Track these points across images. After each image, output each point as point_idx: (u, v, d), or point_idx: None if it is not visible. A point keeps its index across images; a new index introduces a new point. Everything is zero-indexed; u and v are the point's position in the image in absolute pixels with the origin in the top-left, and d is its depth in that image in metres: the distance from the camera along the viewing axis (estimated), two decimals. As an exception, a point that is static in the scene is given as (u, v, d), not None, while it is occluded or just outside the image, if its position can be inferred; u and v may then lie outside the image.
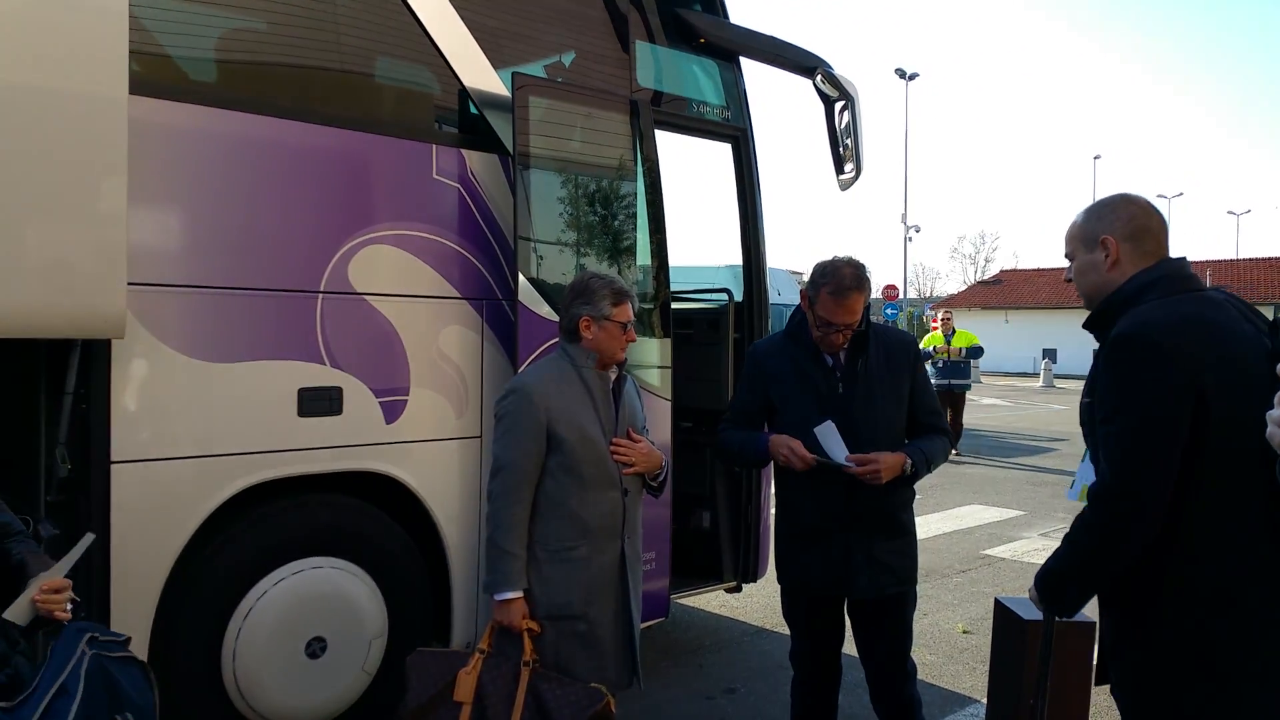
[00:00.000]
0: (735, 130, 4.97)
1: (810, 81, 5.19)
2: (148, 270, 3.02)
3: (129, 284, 2.83)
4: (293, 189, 3.38)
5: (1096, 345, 2.29)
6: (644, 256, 4.51)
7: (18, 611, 2.12)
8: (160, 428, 3.10)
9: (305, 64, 3.55)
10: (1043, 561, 2.33)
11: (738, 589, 5.25)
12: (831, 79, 5.14)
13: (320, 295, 3.43)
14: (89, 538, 2.24)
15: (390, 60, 3.81)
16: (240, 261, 3.26)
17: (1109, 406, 2.12)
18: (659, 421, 4.28)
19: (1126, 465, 2.06)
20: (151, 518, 3.08)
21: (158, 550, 3.09)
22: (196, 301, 3.17)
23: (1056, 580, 2.26)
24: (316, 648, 3.44)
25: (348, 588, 3.54)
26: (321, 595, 3.47)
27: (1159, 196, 38.54)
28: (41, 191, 2.67)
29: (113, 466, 2.98)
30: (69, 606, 2.22)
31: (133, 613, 3.00)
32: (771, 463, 3.18)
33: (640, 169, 4.39)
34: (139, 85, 2.85)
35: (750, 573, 5.13)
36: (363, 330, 3.55)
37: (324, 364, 3.44)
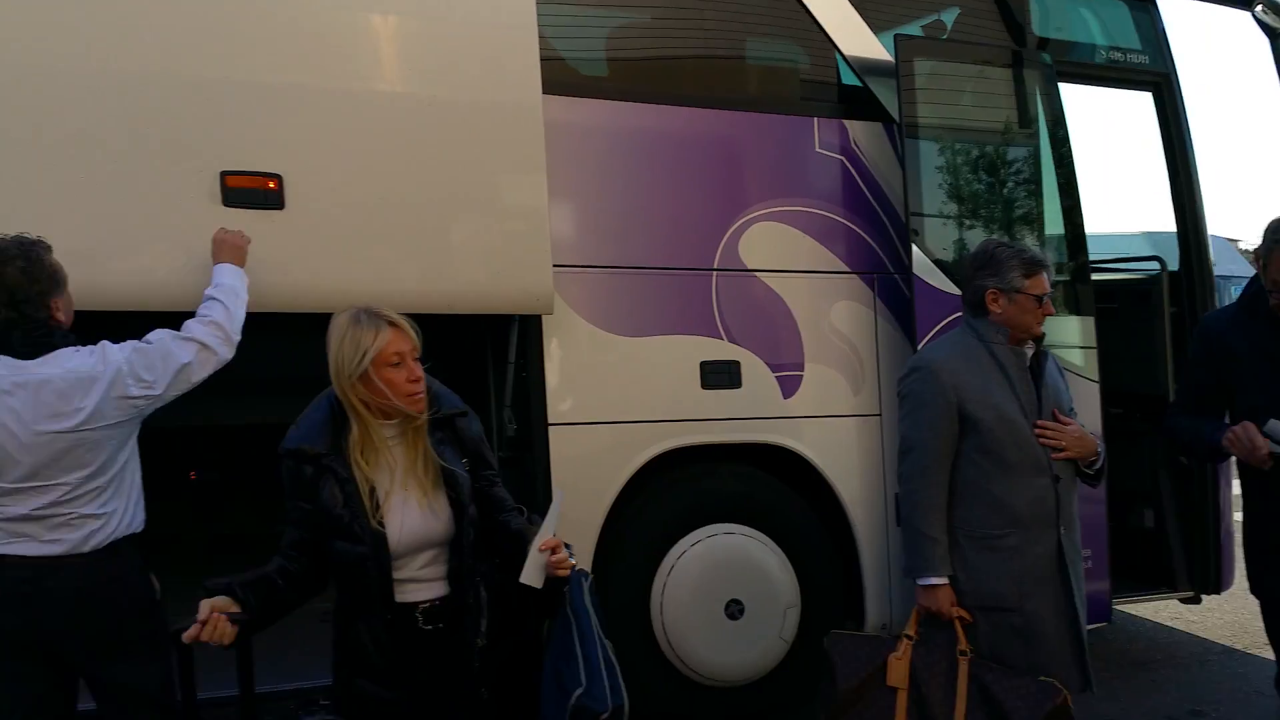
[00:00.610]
0: (1156, 76, 4.46)
1: (1248, 13, 4.51)
2: (569, 254, 3.40)
3: (554, 266, 3.23)
4: (684, 172, 3.63)
5: None
6: (1053, 224, 4.17)
7: (531, 574, 2.16)
8: (585, 395, 3.45)
9: (690, 52, 3.82)
10: None
11: (1196, 600, 4.57)
12: (1275, 8, 4.42)
13: (714, 273, 3.62)
14: (561, 495, 2.34)
15: (769, 37, 3.94)
16: (643, 243, 3.56)
17: None
18: (1087, 405, 3.89)
19: None
20: (584, 477, 3.42)
21: (591, 507, 3.43)
22: (610, 280, 3.51)
23: None
24: (734, 609, 3.58)
25: (759, 555, 3.65)
26: (735, 560, 3.62)
27: None
28: (479, 191, 3.16)
29: (549, 428, 3.37)
30: (573, 562, 2.25)
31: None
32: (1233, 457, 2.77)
33: (1043, 128, 4.08)
34: (548, 86, 3.23)
35: (1212, 583, 4.43)
36: (756, 306, 3.68)
37: (722, 339, 3.62)
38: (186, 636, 2.02)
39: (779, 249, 3.71)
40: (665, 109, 3.62)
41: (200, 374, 2.57)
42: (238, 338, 2.66)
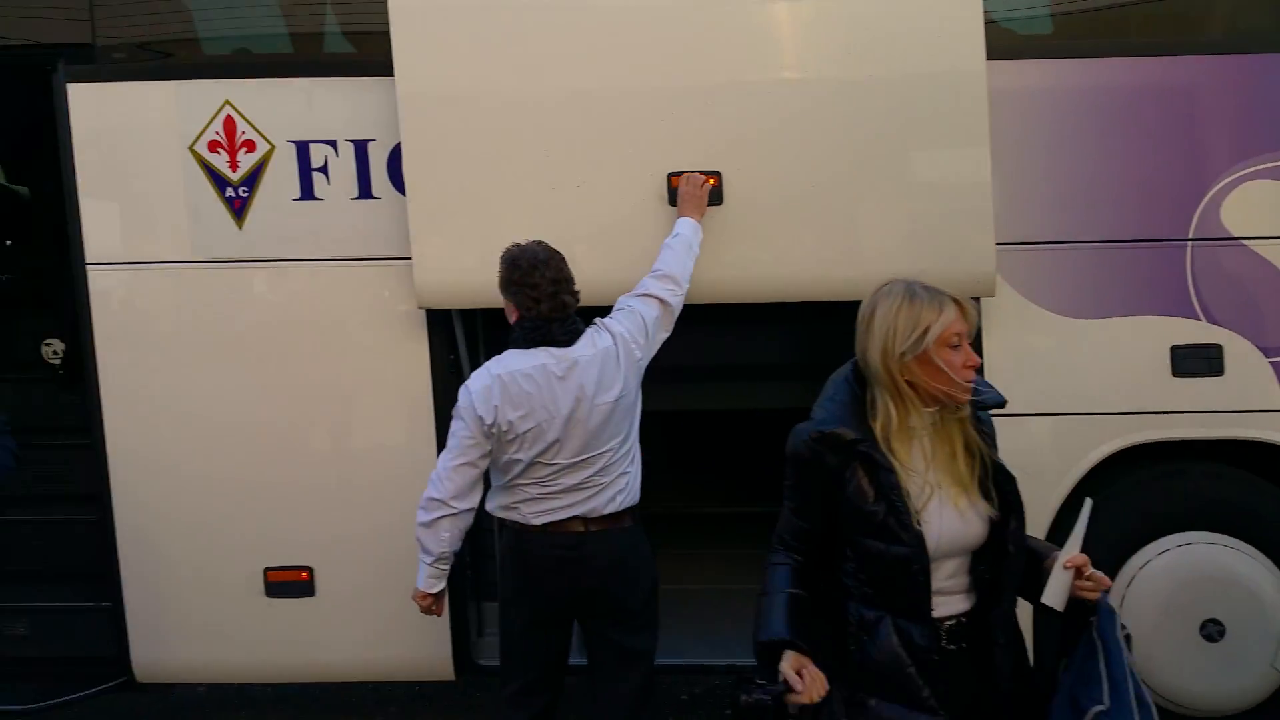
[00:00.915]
0: None
1: None
2: (1011, 230, 3.15)
3: (995, 244, 3.04)
4: (1149, 132, 3.19)
5: None
6: None
7: (1054, 595, 1.90)
8: (1028, 384, 3.17)
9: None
10: None
11: None
12: None
13: (1189, 243, 3.16)
14: (1089, 504, 2.08)
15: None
16: (1099, 214, 3.19)
17: None
18: None
19: None
20: (1029, 473, 3.13)
21: (1038, 505, 3.13)
22: (1059, 257, 3.20)
23: None
24: (1213, 630, 3.15)
25: (1245, 571, 3.17)
26: (1213, 574, 3.18)
27: None
28: (916, 171, 3.06)
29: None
30: (1108, 583, 1.97)
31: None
32: None
33: None
34: (991, 50, 3.01)
35: None
36: (1244, 280, 3.18)
37: (1199, 319, 3.17)
38: (792, 700, 1.85)
39: (1275, 211, 3.15)
40: (1120, 62, 3.20)
41: (666, 324, 2.84)
42: (686, 286, 2.85)
